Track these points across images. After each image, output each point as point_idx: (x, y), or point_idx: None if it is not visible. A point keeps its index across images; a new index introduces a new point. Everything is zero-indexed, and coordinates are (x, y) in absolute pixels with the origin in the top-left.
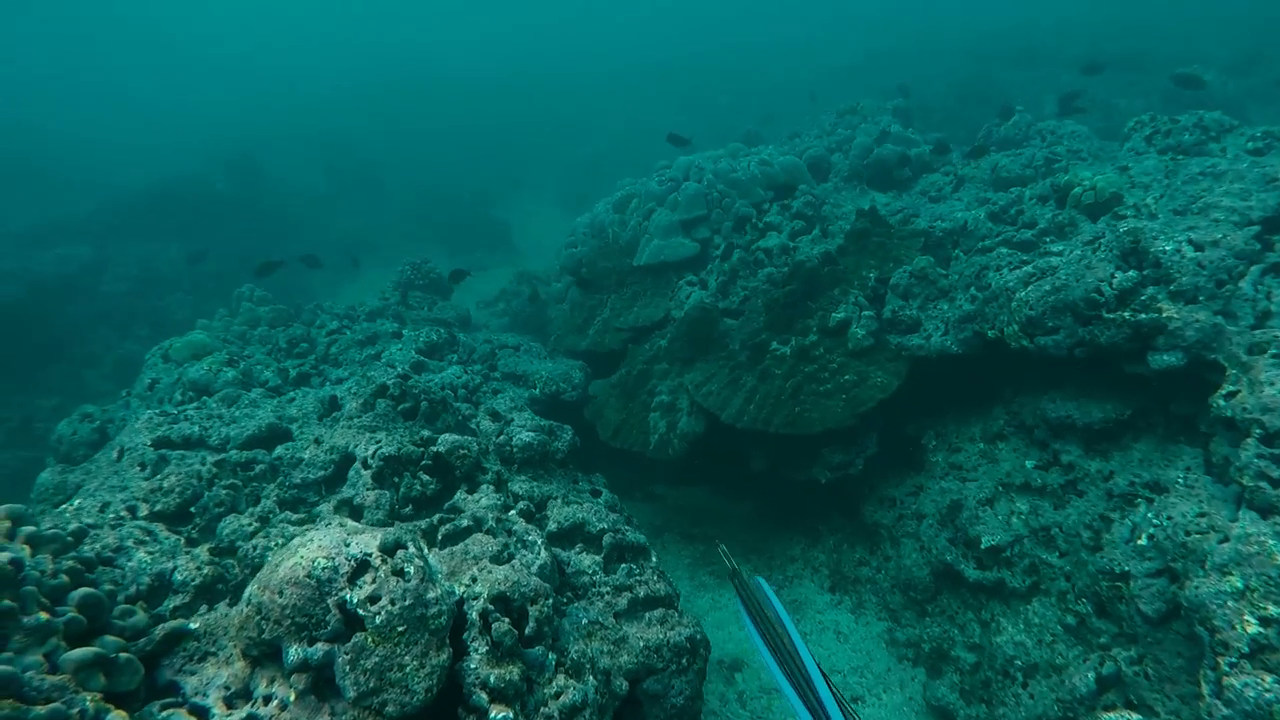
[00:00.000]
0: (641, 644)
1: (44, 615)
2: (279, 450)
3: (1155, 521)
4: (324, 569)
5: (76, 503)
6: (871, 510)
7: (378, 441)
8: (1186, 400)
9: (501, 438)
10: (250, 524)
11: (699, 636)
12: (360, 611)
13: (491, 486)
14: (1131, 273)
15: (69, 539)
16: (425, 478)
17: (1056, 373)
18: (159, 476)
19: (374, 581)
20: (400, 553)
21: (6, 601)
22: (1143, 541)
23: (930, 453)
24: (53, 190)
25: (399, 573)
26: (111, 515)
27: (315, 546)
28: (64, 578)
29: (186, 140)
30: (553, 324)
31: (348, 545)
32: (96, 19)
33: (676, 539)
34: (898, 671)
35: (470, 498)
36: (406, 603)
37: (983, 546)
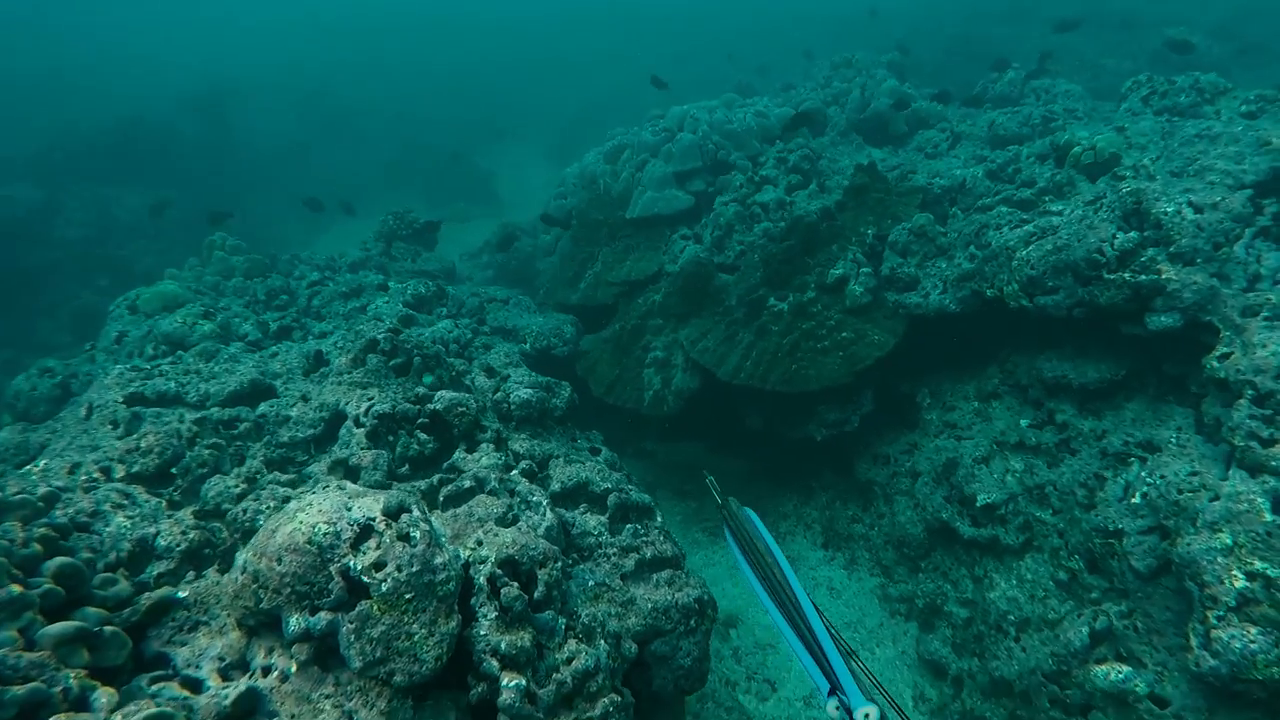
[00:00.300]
0: (650, 606)
1: (16, 588)
2: (263, 407)
3: (1149, 480)
4: (325, 534)
5: (42, 464)
6: (865, 468)
7: (370, 399)
8: (1178, 361)
9: (499, 394)
10: (237, 485)
11: (706, 598)
12: (365, 579)
13: (491, 445)
14: (1133, 234)
15: (39, 504)
16: (423, 436)
17: (1052, 332)
18: (135, 436)
19: (379, 547)
20: (405, 516)
21: None
22: (1136, 500)
23: (925, 411)
24: (5, 128)
25: (404, 537)
26: (84, 477)
27: (315, 511)
28: (36, 546)
29: (151, 80)
30: (541, 276)
31: (349, 509)
32: None
33: (669, 495)
34: (890, 626)
35: (470, 457)
36: (414, 569)
37: (978, 504)
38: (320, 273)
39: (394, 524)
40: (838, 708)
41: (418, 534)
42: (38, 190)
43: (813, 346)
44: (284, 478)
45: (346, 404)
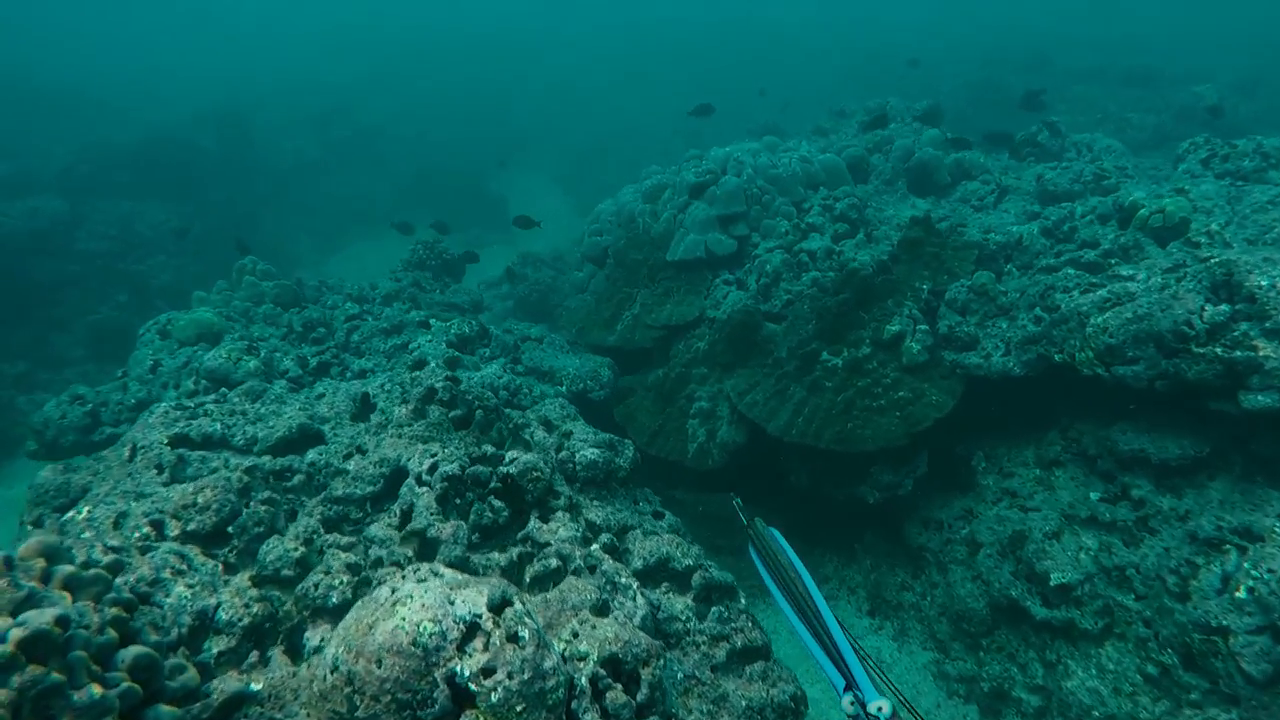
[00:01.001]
0: (744, 703)
1: (97, 690)
2: (312, 455)
3: (1254, 574)
4: (431, 635)
5: (86, 511)
6: (915, 532)
7: (433, 455)
8: (1271, 441)
9: (563, 453)
10: (295, 548)
11: (800, 693)
12: (473, 687)
13: (566, 514)
14: (1224, 306)
15: (107, 575)
16: (497, 504)
17: (1122, 402)
18: (190, 489)
19: (486, 649)
20: (509, 612)
21: (55, 676)
22: (1241, 594)
23: (980, 475)
24: (29, 137)
25: (513, 638)
26: (135, 534)
27: (418, 605)
28: (111, 632)
29: (175, 95)
30: (573, 314)
31: (453, 604)
32: None
33: (703, 550)
34: (948, 708)
35: (545, 527)
36: (525, 676)
37: (1051, 583)
38: (357, 305)
39: (501, 622)
40: (853, 703)
41: (526, 633)
42: (63, 202)
43: (868, 405)
44: (343, 540)
45: (408, 460)
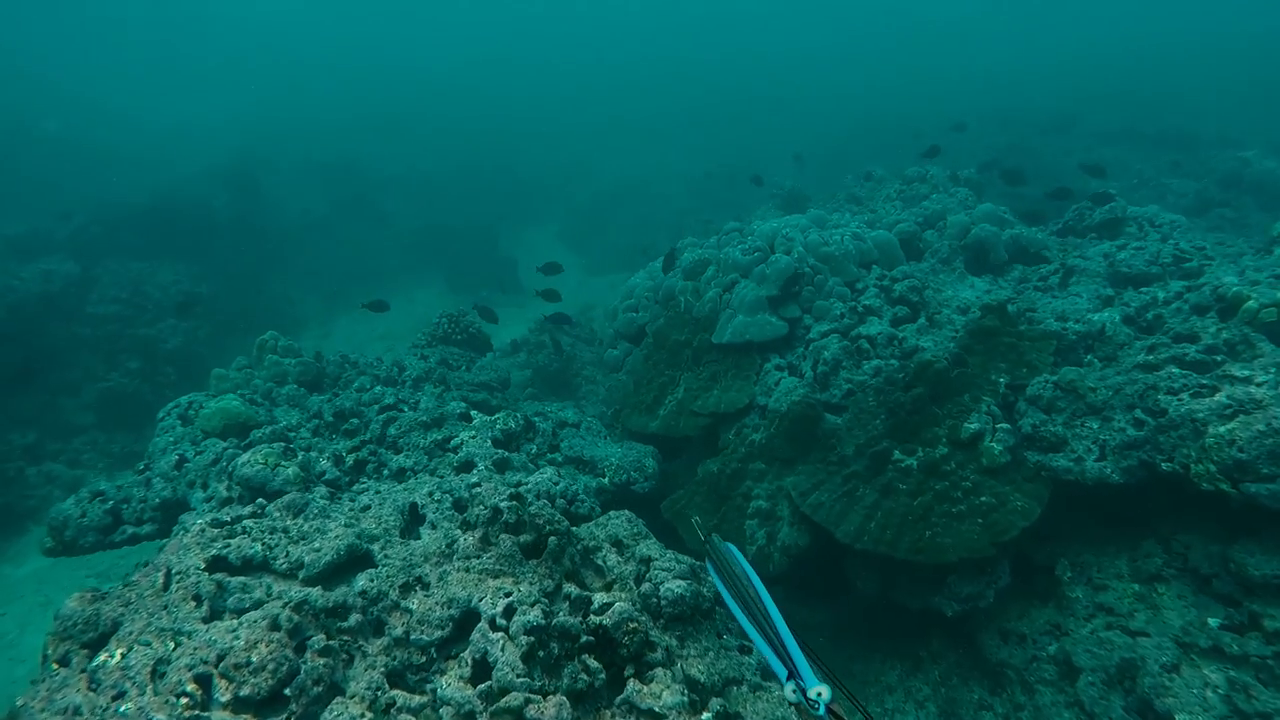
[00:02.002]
0: None
1: None
2: (362, 581)
3: None
4: None
5: (119, 654)
6: (993, 645)
7: (507, 595)
8: None
9: (645, 585)
10: (361, 713)
11: None
12: None
13: (666, 672)
14: None
15: None
16: (593, 664)
17: (1240, 516)
18: (239, 638)
19: None
20: None
21: None
22: None
23: (1066, 586)
24: (41, 196)
25: None
26: (178, 695)
27: None
28: None
29: (185, 152)
30: (610, 394)
31: None
32: (98, 26)
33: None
34: None
35: (646, 690)
36: None
37: None
38: (387, 388)
39: None
40: (794, 690)
41: None
42: (75, 264)
43: (947, 511)
44: (414, 701)
45: (479, 600)
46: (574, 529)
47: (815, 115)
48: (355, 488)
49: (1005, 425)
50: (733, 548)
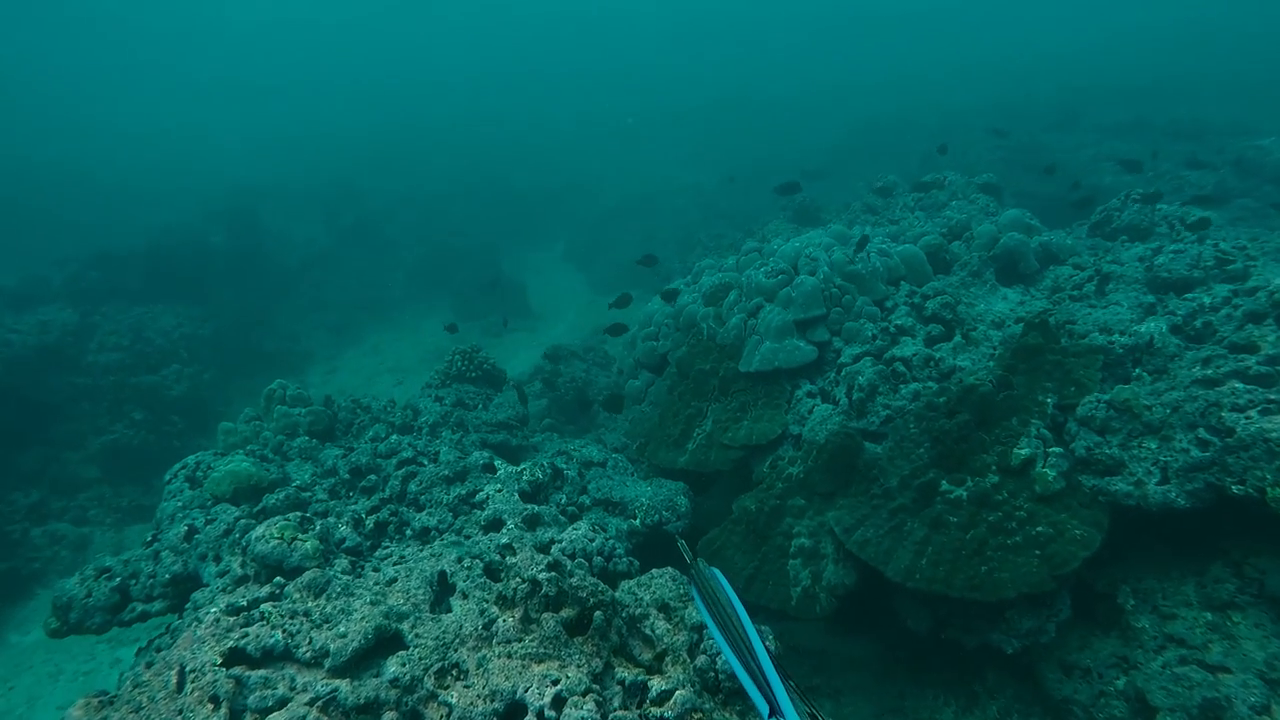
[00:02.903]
0: None
1: None
2: (393, 667)
3: None
4: None
5: None
6: (1055, 679)
7: (554, 683)
8: None
9: (701, 660)
10: None
11: None
12: None
13: None
14: None
15: None
16: None
17: None
18: None
19: None
20: None
21: None
22: None
23: (1130, 615)
24: (37, 237)
25: None
26: None
27: None
28: None
29: (181, 186)
30: (634, 427)
31: None
32: (92, 59)
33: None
34: None
35: None
36: None
37: None
38: (407, 440)
39: None
40: None
41: None
42: (73, 312)
43: (1002, 543)
44: None
45: (524, 691)
46: (616, 595)
47: (815, 116)
48: (378, 553)
49: (1057, 449)
50: (718, 573)
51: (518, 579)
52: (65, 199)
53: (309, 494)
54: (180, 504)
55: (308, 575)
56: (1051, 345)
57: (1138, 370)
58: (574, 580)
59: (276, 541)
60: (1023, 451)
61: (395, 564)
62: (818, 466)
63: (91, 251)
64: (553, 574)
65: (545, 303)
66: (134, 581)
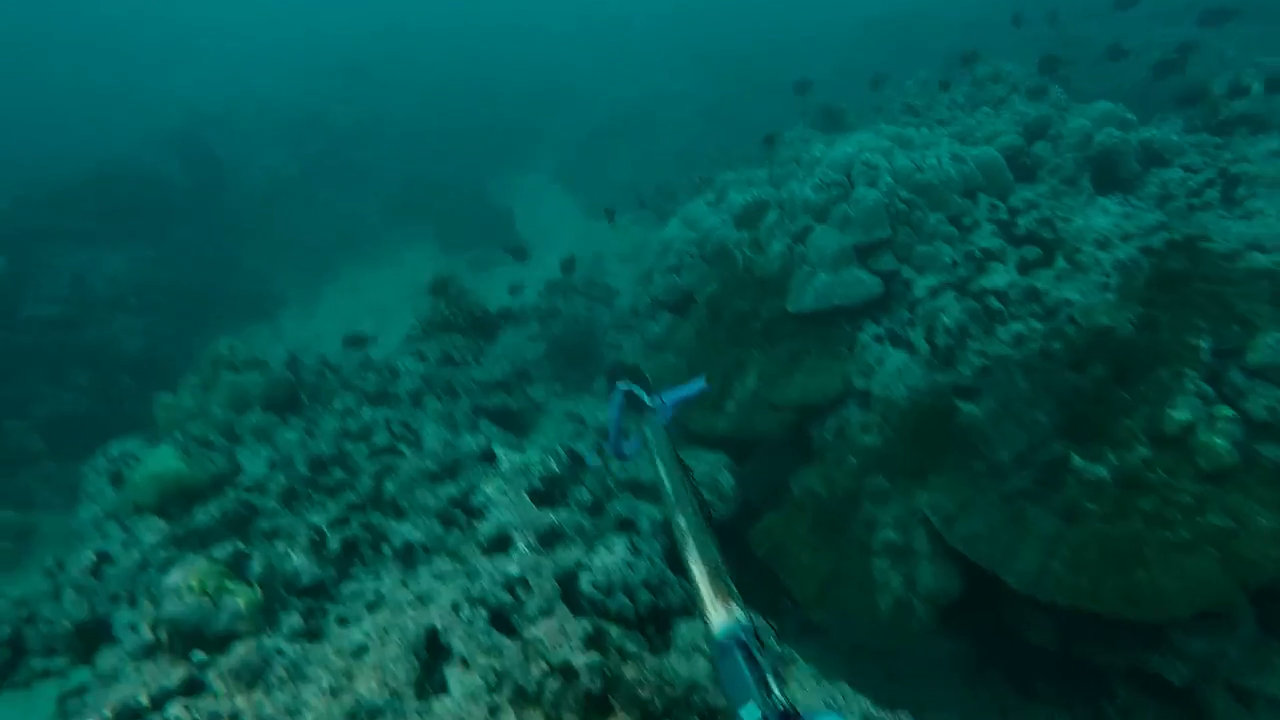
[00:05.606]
0: None
1: None
2: None
3: None
4: None
5: None
6: (1225, 708)
7: None
8: None
9: None
10: None
11: None
12: None
13: None
14: None
15: None
16: None
17: None
18: None
19: None
20: None
21: None
22: None
23: None
24: None
25: None
26: None
27: None
28: None
29: (125, 115)
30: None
31: None
32: None
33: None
34: None
35: None
36: None
37: None
38: (382, 414)
39: None
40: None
41: None
42: (2, 258)
43: (1164, 540)
44: None
45: None
46: (688, 674)
47: (824, 15)
48: (345, 586)
49: (1228, 411)
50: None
51: (541, 665)
52: None
53: (257, 497)
54: (99, 509)
55: (238, 653)
56: (1201, 271)
57: None
58: (629, 674)
59: (195, 598)
60: (1180, 415)
61: (369, 609)
62: (901, 435)
63: (22, 188)
64: (595, 657)
65: (535, 230)
66: (29, 627)
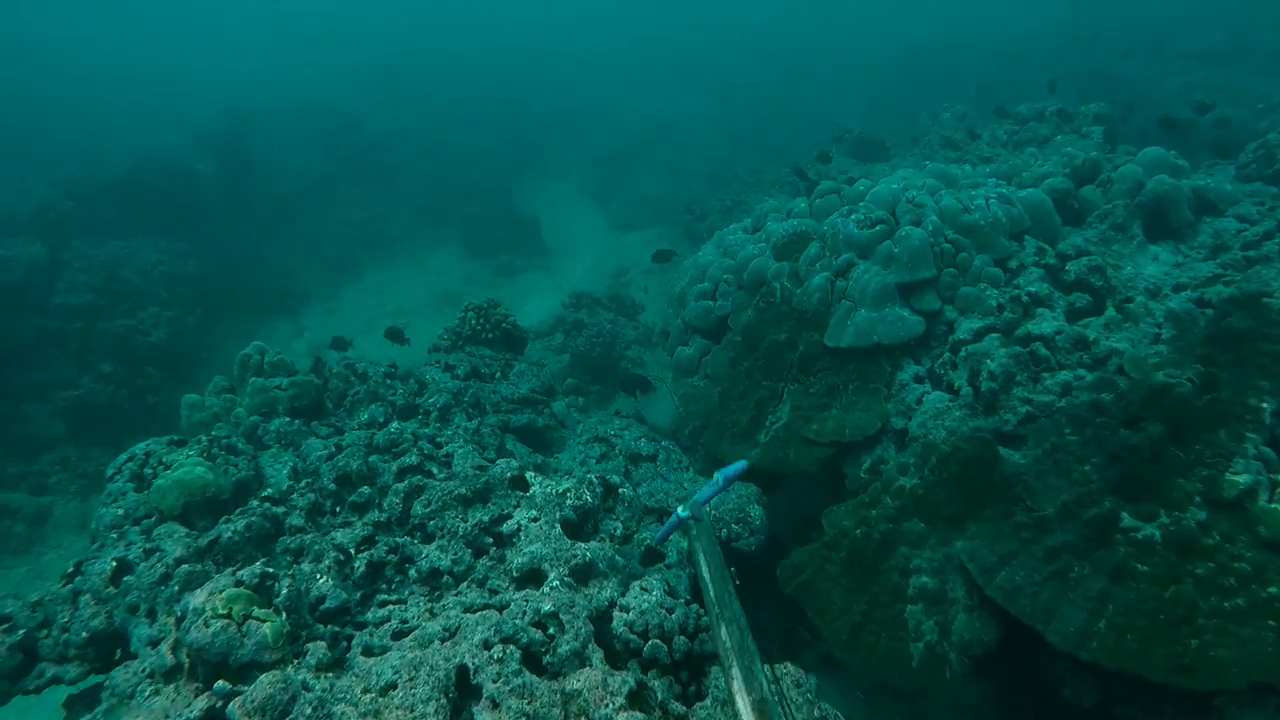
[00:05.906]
0: None
1: None
2: None
3: None
4: None
5: None
6: None
7: None
8: None
9: None
10: None
11: None
12: None
13: None
14: None
15: None
16: None
17: None
18: None
19: None
20: None
21: None
22: None
23: None
24: (1, 164)
25: None
26: None
27: None
28: None
29: (163, 109)
30: (688, 407)
31: None
32: None
33: None
34: None
35: None
36: None
37: None
38: (409, 429)
39: None
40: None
41: None
42: (40, 246)
43: (1218, 607)
44: None
45: None
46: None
47: (852, 42)
48: (372, 613)
49: None
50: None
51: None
52: (36, 122)
53: (282, 509)
54: (121, 512)
55: (263, 689)
56: (1264, 329)
57: None
58: None
59: (221, 624)
60: (1240, 479)
61: (395, 638)
62: (941, 479)
63: (64, 179)
64: (638, 716)
65: (561, 239)
66: (44, 634)
